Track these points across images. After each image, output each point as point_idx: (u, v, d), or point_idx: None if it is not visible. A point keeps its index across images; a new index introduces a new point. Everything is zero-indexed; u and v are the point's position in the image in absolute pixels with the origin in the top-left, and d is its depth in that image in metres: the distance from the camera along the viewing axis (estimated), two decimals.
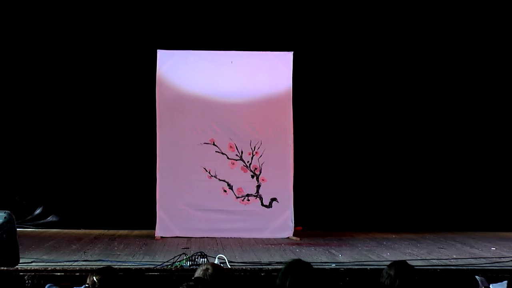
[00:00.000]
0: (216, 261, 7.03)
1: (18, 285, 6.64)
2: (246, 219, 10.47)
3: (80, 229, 11.28)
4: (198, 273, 4.68)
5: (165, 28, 11.42)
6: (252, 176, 10.54)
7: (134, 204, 11.28)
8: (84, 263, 7.59)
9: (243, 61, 10.68)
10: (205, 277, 4.60)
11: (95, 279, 4.82)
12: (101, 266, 5.29)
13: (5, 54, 11.49)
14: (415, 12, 11.78)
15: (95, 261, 7.73)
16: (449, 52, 11.85)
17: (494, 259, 8.12)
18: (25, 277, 5.09)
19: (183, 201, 10.42)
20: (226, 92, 10.53)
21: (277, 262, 7.64)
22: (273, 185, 10.53)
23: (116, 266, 7.22)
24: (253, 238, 10.13)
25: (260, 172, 10.54)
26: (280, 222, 10.47)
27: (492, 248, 9.14)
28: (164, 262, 7.42)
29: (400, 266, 4.61)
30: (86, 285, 4.85)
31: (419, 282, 4.55)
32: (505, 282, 5.00)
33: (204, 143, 10.48)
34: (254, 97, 10.57)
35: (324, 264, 7.66)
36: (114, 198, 11.44)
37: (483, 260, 8.02)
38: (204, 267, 4.71)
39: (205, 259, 7.17)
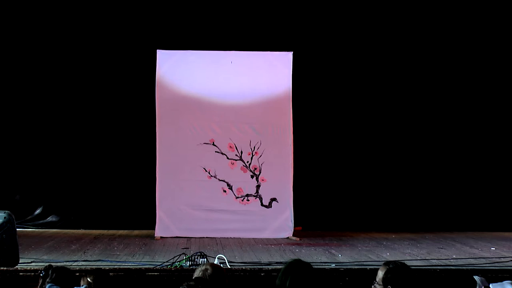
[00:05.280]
0: (215, 261, 7.03)
1: (18, 285, 6.66)
2: (245, 219, 10.47)
3: (80, 229, 11.28)
4: (197, 273, 4.68)
5: (165, 28, 11.42)
6: (252, 176, 10.54)
7: (134, 204, 11.29)
8: (84, 263, 7.59)
9: (243, 61, 10.68)
10: (205, 277, 4.60)
11: (89, 280, 4.82)
12: (95, 267, 5.29)
13: (5, 54, 11.49)
14: (415, 12, 11.78)
15: (95, 261, 7.73)
16: (449, 52, 11.86)
17: (493, 259, 8.12)
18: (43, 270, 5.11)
19: (183, 201, 10.42)
20: (226, 92, 10.53)
21: (276, 262, 7.64)
22: (272, 185, 10.53)
23: (116, 266, 7.25)
24: (253, 238, 10.13)
25: (260, 172, 10.54)
26: (280, 222, 10.47)
27: (492, 248, 9.14)
28: (164, 262, 7.42)
29: (392, 265, 4.66)
30: (86, 286, 4.85)
31: (412, 278, 4.58)
32: (505, 282, 5.00)
33: (204, 143, 10.48)
34: (254, 97, 10.57)
35: (324, 264, 7.66)
36: (114, 198, 11.45)
37: (483, 260, 8.02)
38: (203, 267, 4.72)
39: (205, 259, 7.17)
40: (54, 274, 5.00)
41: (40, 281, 5.03)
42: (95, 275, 4.87)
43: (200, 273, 4.65)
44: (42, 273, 5.02)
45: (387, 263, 4.74)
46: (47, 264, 5.20)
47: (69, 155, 11.55)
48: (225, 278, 4.70)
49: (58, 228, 11.33)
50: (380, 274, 4.66)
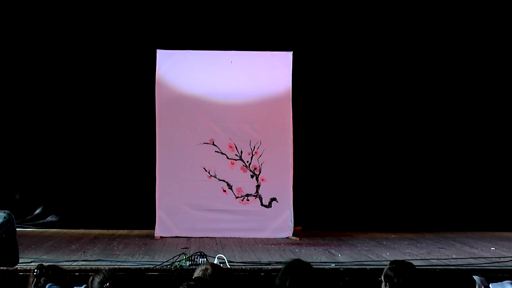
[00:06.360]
0: (215, 261, 7.03)
1: (18, 285, 6.65)
2: (245, 219, 10.47)
3: (79, 229, 11.28)
4: (198, 273, 4.67)
5: (165, 28, 11.42)
6: (252, 176, 10.54)
7: (134, 204, 11.29)
8: (83, 263, 7.59)
9: (243, 61, 10.68)
10: (205, 277, 4.60)
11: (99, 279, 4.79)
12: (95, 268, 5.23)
13: (5, 54, 11.49)
14: (415, 12, 11.78)
15: (94, 261, 7.73)
16: (449, 52, 11.86)
17: (493, 259, 8.12)
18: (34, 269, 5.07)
19: (183, 201, 10.42)
20: (226, 92, 10.53)
21: (276, 262, 7.64)
22: (272, 185, 10.53)
23: (115, 266, 7.24)
24: (253, 238, 10.14)
25: (260, 172, 10.54)
26: (280, 222, 10.47)
27: (492, 248, 9.14)
28: (164, 262, 7.42)
29: (402, 265, 4.65)
30: (86, 285, 4.84)
31: (420, 280, 4.58)
32: (505, 282, 5.00)
33: (204, 143, 10.48)
34: (254, 97, 10.57)
35: (323, 264, 7.66)
36: (114, 198, 11.45)
37: (483, 260, 8.02)
38: (203, 267, 4.71)
39: (205, 259, 7.17)
40: (49, 272, 4.99)
41: (34, 280, 4.99)
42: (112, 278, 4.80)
43: (200, 273, 4.64)
44: (36, 272, 5.00)
45: (392, 263, 4.73)
46: (38, 264, 5.17)
47: (69, 155, 11.55)
48: (225, 278, 4.70)
49: (58, 228, 11.33)
50: (384, 272, 4.65)
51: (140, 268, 7.15)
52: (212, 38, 11.24)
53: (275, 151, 10.54)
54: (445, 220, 11.66)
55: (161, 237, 10.17)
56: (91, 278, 4.82)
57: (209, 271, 4.64)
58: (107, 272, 4.84)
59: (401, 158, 11.83)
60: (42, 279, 4.96)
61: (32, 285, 4.98)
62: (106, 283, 4.71)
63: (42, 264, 5.08)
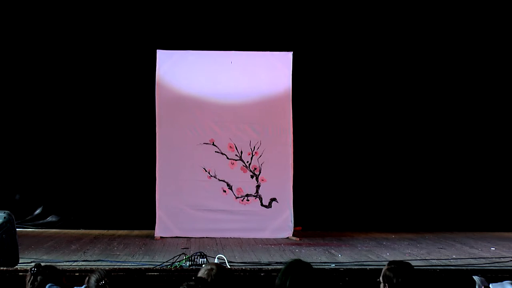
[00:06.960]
0: (215, 261, 7.03)
1: (18, 285, 6.66)
2: (245, 219, 10.47)
3: (79, 229, 11.28)
4: (202, 272, 4.65)
5: (165, 28, 11.42)
6: (252, 176, 10.54)
7: (134, 204, 11.29)
8: (83, 263, 7.60)
9: (243, 61, 10.68)
10: (209, 277, 4.58)
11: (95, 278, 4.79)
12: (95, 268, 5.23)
13: (5, 54, 11.49)
14: (415, 12, 11.78)
15: (94, 261, 7.73)
16: (449, 52, 11.85)
17: (493, 259, 8.13)
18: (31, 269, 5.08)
19: (183, 201, 10.42)
20: (226, 92, 10.53)
21: (276, 262, 7.65)
22: (272, 185, 10.53)
23: (115, 266, 7.25)
24: (253, 238, 10.14)
25: (260, 172, 10.54)
26: (280, 222, 10.47)
27: (492, 248, 9.14)
28: (164, 262, 7.43)
29: (400, 265, 4.64)
30: (85, 286, 4.84)
31: (419, 279, 4.57)
32: (505, 282, 5.00)
33: (204, 143, 10.48)
34: (254, 97, 10.57)
35: (323, 264, 7.66)
36: (114, 198, 11.45)
37: (483, 260, 8.02)
38: (208, 267, 4.69)
39: (205, 259, 7.17)
40: (46, 271, 4.99)
41: (31, 278, 5.00)
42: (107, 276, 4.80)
43: (205, 273, 4.63)
44: (33, 270, 5.01)
45: (390, 263, 4.73)
46: (35, 263, 5.18)
47: (69, 155, 11.55)
48: (229, 279, 4.68)
49: (58, 228, 11.33)
50: (383, 273, 4.65)
51: (140, 268, 7.16)
52: (212, 38, 11.24)
53: (275, 151, 10.55)
54: (445, 220, 11.66)
55: (161, 237, 10.17)
56: (87, 277, 4.83)
57: (214, 271, 4.62)
58: (103, 271, 4.86)
59: (401, 159, 11.82)
60: (39, 277, 4.97)
61: (29, 283, 5.00)
62: (102, 281, 4.73)
63: (40, 264, 5.10)
